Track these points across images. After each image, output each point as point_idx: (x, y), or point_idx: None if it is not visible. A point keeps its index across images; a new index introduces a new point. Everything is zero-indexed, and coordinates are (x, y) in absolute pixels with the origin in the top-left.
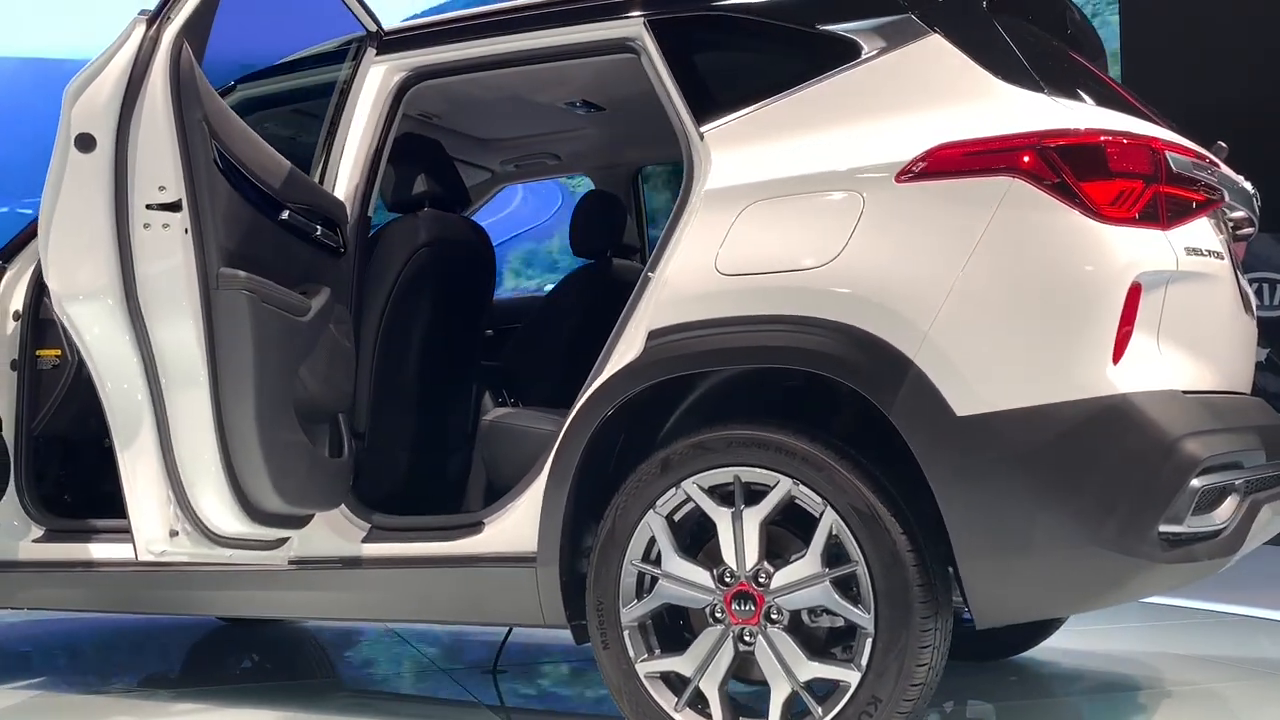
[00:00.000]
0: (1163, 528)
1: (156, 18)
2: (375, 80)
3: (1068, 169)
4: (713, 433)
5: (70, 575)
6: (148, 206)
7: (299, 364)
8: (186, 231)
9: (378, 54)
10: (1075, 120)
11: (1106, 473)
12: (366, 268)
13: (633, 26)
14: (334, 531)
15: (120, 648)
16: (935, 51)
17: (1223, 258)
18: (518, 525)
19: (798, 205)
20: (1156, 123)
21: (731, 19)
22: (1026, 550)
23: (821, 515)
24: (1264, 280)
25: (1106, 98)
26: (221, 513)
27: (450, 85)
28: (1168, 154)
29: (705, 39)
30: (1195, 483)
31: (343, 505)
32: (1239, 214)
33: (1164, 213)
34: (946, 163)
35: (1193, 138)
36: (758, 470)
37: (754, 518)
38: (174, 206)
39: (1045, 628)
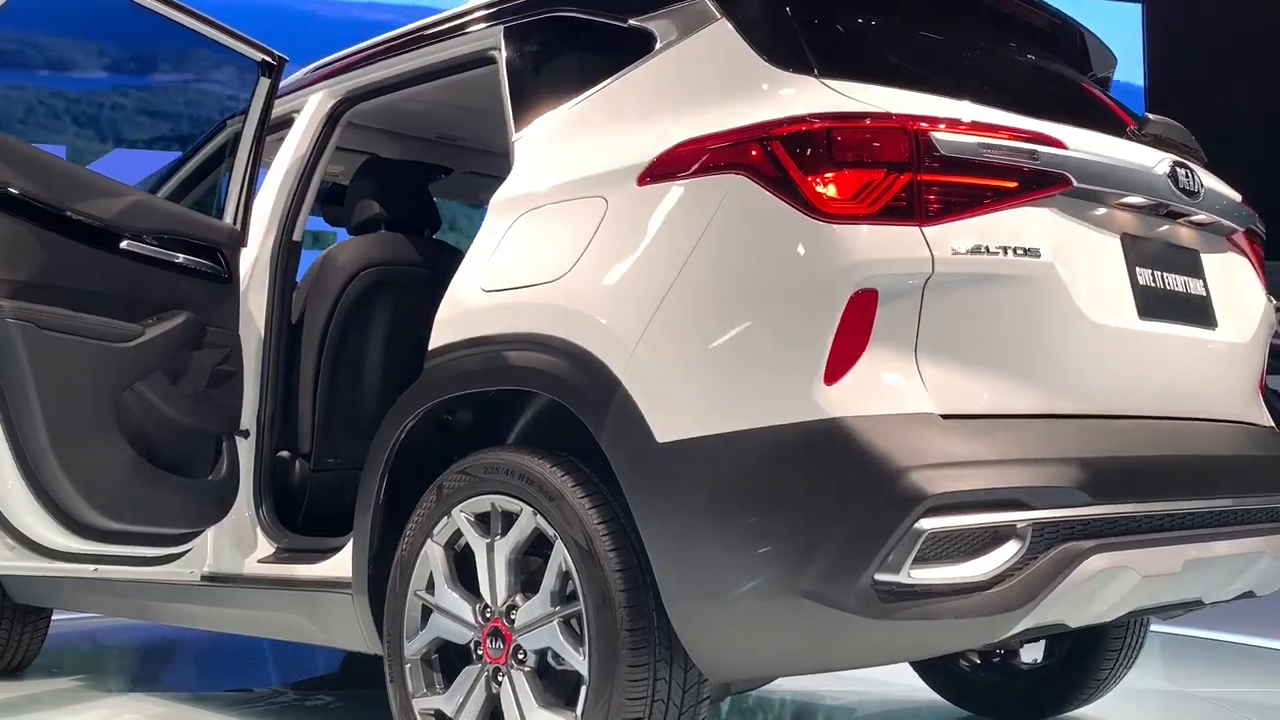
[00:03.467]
0: (880, 577)
1: None
2: (311, 106)
3: (791, 162)
4: (474, 459)
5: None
6: None
7: (125, 386)
8: None
9: (322, 79)
10: (824, 105)
11: (808, 510)
12: (311, 290)
13: (493, 36)
14: (242, 550)
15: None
16: (718, 39)
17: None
18: (348, 552)
19: (556, 214)
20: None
21: (564, 18)
22: (727, 598)
23: (553, 548)
24: None
25: (1009, 92)
26: (44, 529)
27: (386, 103)
28: (938, 136)
29: (540, 41)
30: (926, 524)
31: (258, 525)
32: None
33: (921, 205)
34: (681, 161)
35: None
36: (509, 499)
37: (504, 549)
38: None
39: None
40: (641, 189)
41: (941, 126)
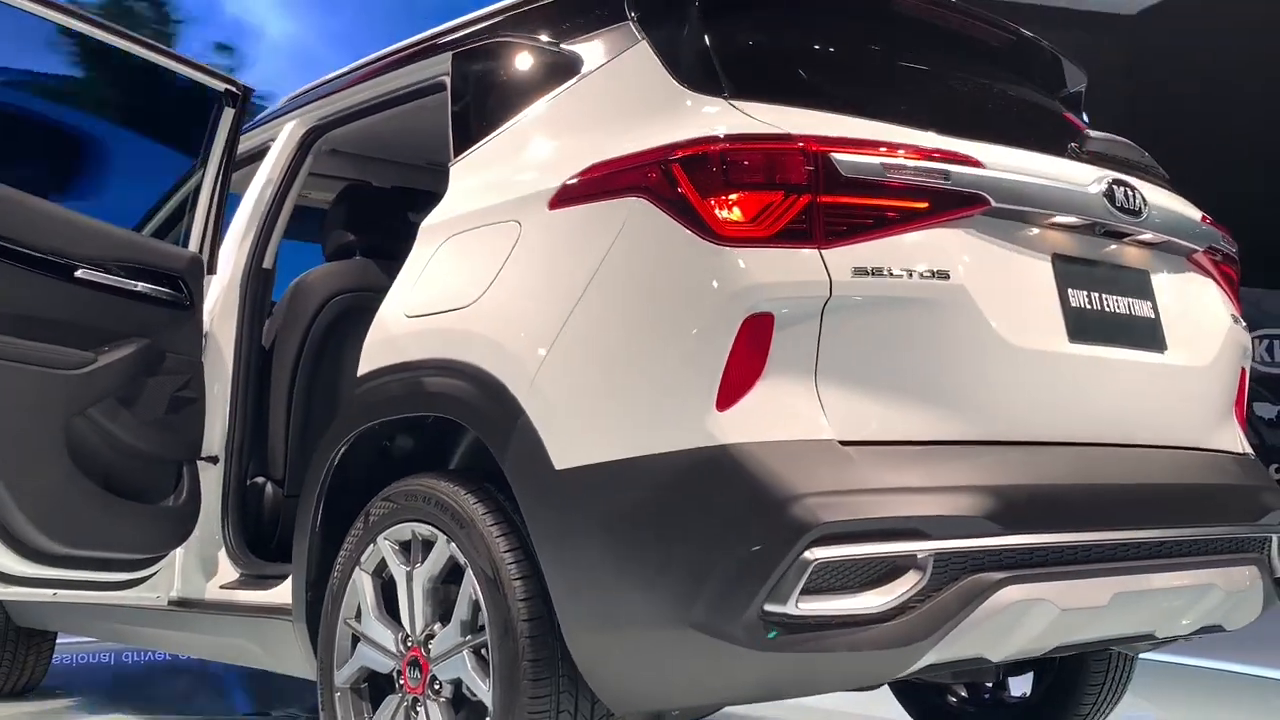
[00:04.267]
0: (770, 608)
1: None
2: (284, 134)
3: (690, 184)
4: (397, 485)
5: None
6: None
7: (76, 413)
8: None
9: (296, 108)
10: (727, 127)
11: (697, 540)
12: (284, 317)
13: (444, 63)
14: (206, 576)
15: None
16: (637, 62)
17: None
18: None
19: (476, 239)
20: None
21: (504, 44)
22: (621, 628)
23: (464, 576)
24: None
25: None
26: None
27: (364, 130)
28: (839, 157)
29: (481, 68)
30: (814, 554)
31: (224, 551)
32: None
33: (821, 228)
34: (588, 185)
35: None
36: (427, 526)
37: (421, 578)
38: None
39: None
40: (552, 213)
41: (844, 148)
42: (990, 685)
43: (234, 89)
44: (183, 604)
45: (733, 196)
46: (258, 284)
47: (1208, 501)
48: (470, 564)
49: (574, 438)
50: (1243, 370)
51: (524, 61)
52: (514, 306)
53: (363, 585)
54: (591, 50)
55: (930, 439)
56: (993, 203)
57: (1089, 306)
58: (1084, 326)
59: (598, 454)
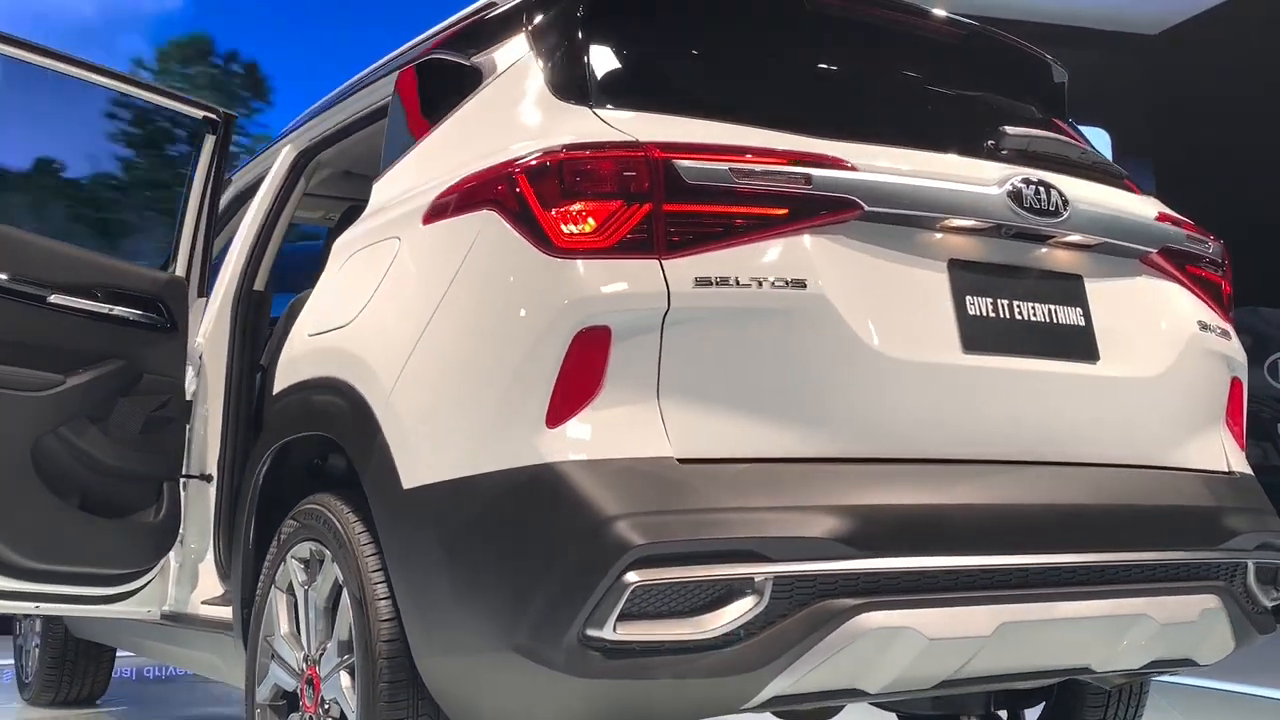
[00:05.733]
0: (589, 632)
1: None
2: (278, 159)
3: (533, 195)
4: (302, 504)
5: None
6: None
7: (44, 433)
8: None
9: (290, 132)
10: (578, 136)
11: (522, 561)
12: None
13: (391, 82)
14: (193, 591)
15: None
16: (521, 73)
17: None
18: None
19: (366, 256)
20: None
21: (430, 63)
22: (460, 651)
23: (343, 594)
24: None
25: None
26: None
27: (344, 147)
28: (683, 164)
29: (410, 88)
30: (633, 577)
31: (216, 567)
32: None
33: (661, 238)
34: (453, 200)
35: None
36: (318, 544)
37: (315, 596)
38: None
39: None
40: (424, 228)
41: (688, 154)
42: (1005, 714)
43: (214, 116)
44: (174, 618)
45: (575, 207)
46: (249, 305)
47: (1143, 524)
48: (346, 583)
49: (421, 456)
50: (1235, 381)
51: (441, 78)
52: (382, 323)
53: (277, 604)
54: (492, 64)
55: (784, 456)
56: (865, 207)
57: (992, 315)
58: (984, 336)
59: (440, 473)
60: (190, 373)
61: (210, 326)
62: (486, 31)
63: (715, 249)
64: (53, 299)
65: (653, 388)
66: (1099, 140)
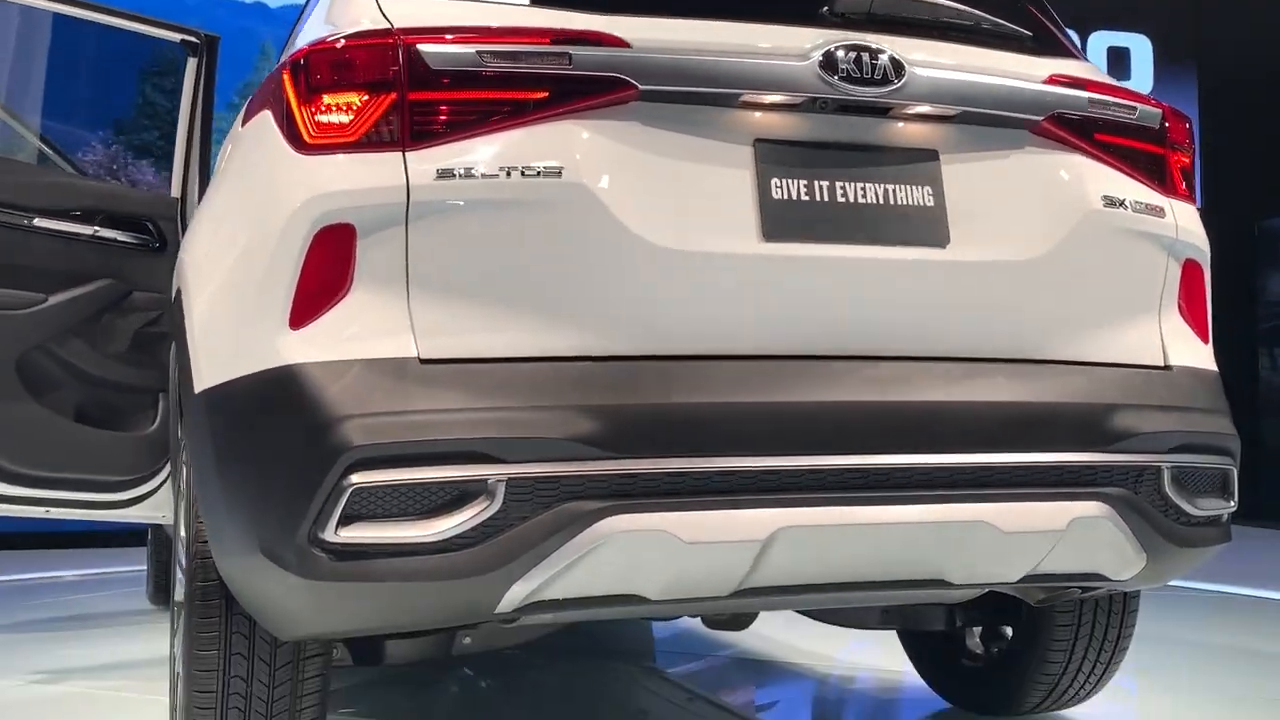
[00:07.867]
0: (317, 534)
1: None
2: None
3: (292, 90)
4: None
5: None
6: None
7: (29, 349)
8: None
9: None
10: (341, 28)
11: (264, 463)
12: None
13: None
14: None
15: None
16: None
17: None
18: None
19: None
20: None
21: None
22: (233, 554)
23: None
24: None
25: None
26: None
27: None
28: (429, 49)
29: None
30: (353, 479)
31: None
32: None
33: (406, 129)
34: (257, 100)
35: None
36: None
37: (181, 499)
38: None
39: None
40: (241, 131)
41: (435, 38)
42: (998, 650)
43: (193, 39)
44: None
45: (326, 100)
46: None
47: (987, 423)
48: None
49: (204, 361)
50: (1188, 265)
51: None
52: (199, 231)
53: (179, 506)
54: None
55: (539, 355)
56: (640, 87)
57: (805, 198)
58: (791, 223)
59: (215, 377)
60: None
61: None
62: None
63: (463, 139)
64: (36, 222)
65: (402, 287)
66: (1139, 47)
